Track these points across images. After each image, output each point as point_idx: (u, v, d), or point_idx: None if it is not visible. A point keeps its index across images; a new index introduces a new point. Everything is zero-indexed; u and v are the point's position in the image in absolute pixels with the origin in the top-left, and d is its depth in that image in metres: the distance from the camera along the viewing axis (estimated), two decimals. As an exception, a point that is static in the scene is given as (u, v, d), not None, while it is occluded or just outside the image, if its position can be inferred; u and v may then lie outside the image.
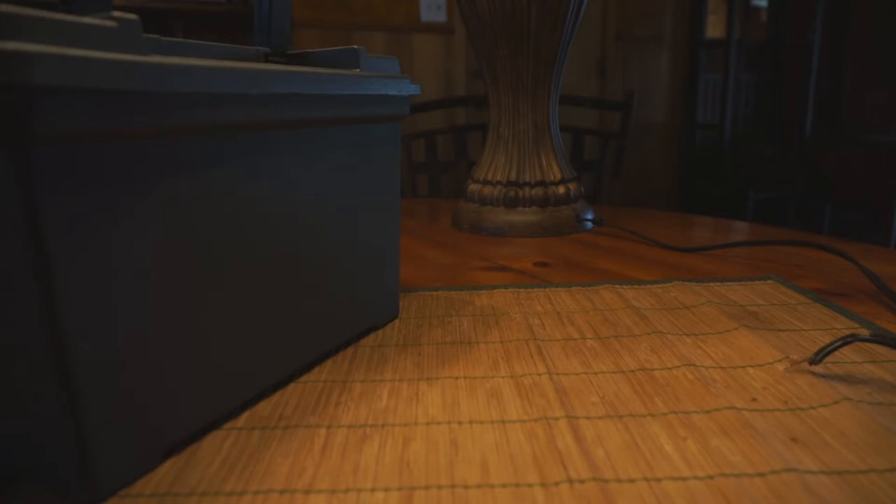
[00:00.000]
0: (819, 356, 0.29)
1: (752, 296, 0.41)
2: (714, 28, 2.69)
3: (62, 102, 0.17)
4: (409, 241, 0.61)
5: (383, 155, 0.34)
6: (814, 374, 0.29)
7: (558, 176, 0.64)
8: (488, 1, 0.58)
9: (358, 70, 0.31)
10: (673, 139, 2.88)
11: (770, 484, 0.21)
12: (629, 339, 0.34)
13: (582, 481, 0.21)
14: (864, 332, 0.34)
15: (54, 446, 0.20)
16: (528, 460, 0.23)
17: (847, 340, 0.28)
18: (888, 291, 0.39)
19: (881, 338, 0.28)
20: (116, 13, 0.19)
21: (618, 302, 0.40)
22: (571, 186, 0.65)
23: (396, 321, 0.37)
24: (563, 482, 0.21)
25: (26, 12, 0.16)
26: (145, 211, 0.20)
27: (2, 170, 0.17)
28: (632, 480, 0.21)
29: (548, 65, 0.62)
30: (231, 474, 0.22)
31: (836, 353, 0.31)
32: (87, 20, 0.18)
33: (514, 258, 0.54)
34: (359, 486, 0.21)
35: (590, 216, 0.66)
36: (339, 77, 0.29)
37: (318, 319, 0.31)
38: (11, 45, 0.15)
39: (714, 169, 2.84)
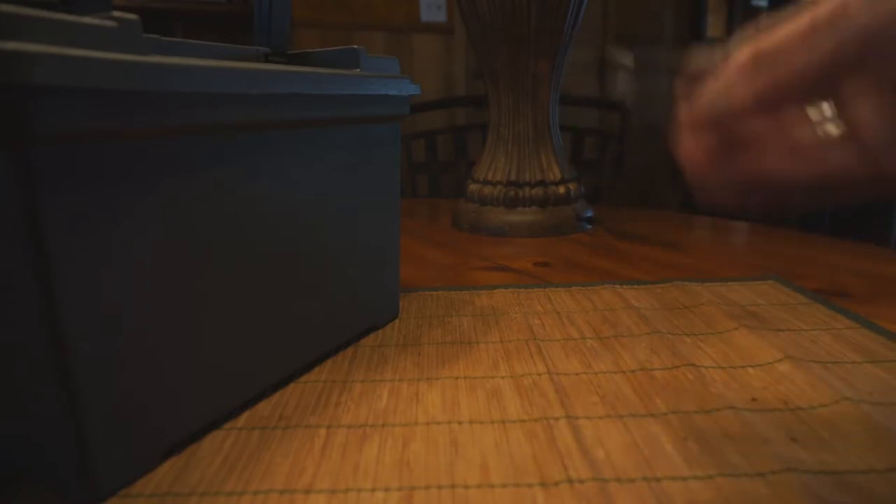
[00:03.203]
0: None
1: (752, 296, 0.41)
2: (714, 28, 2.68)
3: (62, 102, 0.17)
4: (409, 241, 0.61)
5: (383, 155, 0.34)
6: (814, 373, 0.29)
7: (558, 176, 0.64)
8: (488, 1, 0.58)
9: (358, 70, 0.31)
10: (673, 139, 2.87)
11: (770, 484, 0.21)
12: (629, 339, 0.34)
13: (582, 481, 0.21)
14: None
15: (54, 446, 0.20)
16: (528, 460, 0.23)
17: None
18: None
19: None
20: (116, 13, 0.19)
21: (618, 302, 0.40)
22: (571, 186, 0.65)
23: (396, 321, 0.37)
24: (563, 482, 0.21)
25: (26, 12, 0.16)
26: (145, 211, 0.20)
27: (2, 170, 0.17)
28: (632, 480, 0.21)
29: (548, 65, 0.62)
30: (231, 474, 0.22)
31: (836, 352, 0.31)
32: (87, 20, 0.18)
33: (514, 258, 0.54)
34: (359, 486, 0.21)
35: (590, 216, 0.66)
36: (339, 77, 0.28)
37: (319, 319, 0.30)
38: (11, 45, 0.15)
39: (714, 169, 2.83)
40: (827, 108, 0.17)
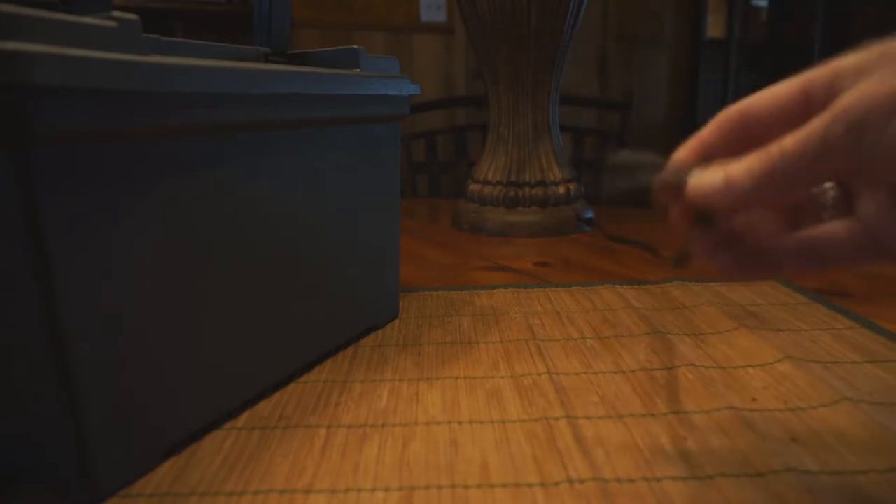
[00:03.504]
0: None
1: (752, 296, 0.41)
2: (714, 28, 2.68)
3: (62, 102, 0.17)
4: (409, 241, 0.61)
5: (383, 155, 0.34)
6: (814, 373, 0.29)
7: (558, 176, 0.64)
8: (488, 1, 0.58)
9: (358, 70, 0.31)
10: (673, 139, 2.88)
11: (770, 484, 0.21)
12: (629, 339, 0.34)
13: (582, 481, 0.21)
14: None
15: (54, 446, 0.20)
16: (528, 460, 0.23)
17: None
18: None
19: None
20: (116, 13, 0.19)
21: (618, 302, 0.40)
22: (571, 186, 0.65)
23: (396, 321, 0.37)
24: (563, 482, 0.21)
25: (26, 12, 0.16)
26: (145, 211, 0.20)
27: (2, 170, 0.17)
28: (632, 480, 0.21)
29: (548, 65, 0.62)
30: (231, 474, 0.22)
31: (836, 352, 0.31)
32: (87, 20, 0.18)
33: (514, 258, 0.54)
34: (359, 485, 0.21)
35: (590, 216, 0.66)
36: (339, 77, 0.28)
37: (319, 319, 0.30)
38: (11, 45, 0.15)
39: (714, 169, 2.82)
40: (829, 191, 0.18)
